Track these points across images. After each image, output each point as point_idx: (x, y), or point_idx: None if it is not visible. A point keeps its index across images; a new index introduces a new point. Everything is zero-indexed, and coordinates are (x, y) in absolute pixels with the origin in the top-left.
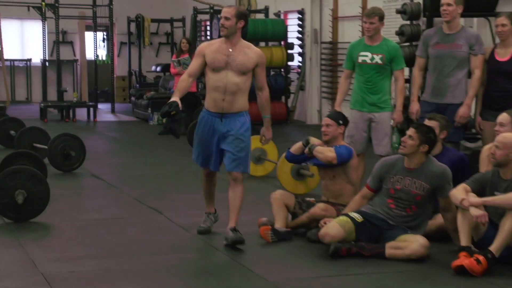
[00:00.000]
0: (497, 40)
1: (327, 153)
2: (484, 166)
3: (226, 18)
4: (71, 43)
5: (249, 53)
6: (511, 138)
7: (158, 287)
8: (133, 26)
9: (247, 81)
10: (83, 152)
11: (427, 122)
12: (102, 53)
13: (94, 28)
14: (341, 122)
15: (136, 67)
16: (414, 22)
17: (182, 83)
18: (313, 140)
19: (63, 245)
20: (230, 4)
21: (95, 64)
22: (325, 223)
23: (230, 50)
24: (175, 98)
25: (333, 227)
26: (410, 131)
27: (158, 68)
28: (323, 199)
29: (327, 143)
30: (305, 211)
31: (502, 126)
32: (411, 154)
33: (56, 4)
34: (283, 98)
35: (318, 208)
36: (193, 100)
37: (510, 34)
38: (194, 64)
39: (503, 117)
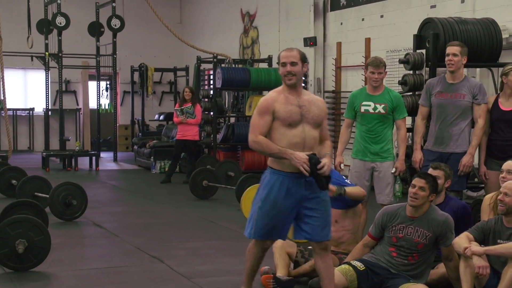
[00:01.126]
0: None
1: (357, 189)
2: (486, 215)
3: (293, 64)
4: (74, 92)
5: (317, 102)
6: None
7: None
8: (136, 75)
9: (320, 133)
10: (84, 200)
11: (431, 171)
12: (105, 102)
13: (98, 77)
14: None
15: (139, 116)
16: (417, 72)
17: (269, 141)
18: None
19: None
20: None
21: (97, 113)
22: None
23: (298, 100)
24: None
25: (335, 276)
26: (420, 182)
27: (161, 117)
28: None
29: None
30: (307, 259)
31: (510, 173)
32: (421, 204)
33: (60, 54)
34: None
35: None
36: (196, 148)
37: None
38: (263, 124)
39: (510, 165)
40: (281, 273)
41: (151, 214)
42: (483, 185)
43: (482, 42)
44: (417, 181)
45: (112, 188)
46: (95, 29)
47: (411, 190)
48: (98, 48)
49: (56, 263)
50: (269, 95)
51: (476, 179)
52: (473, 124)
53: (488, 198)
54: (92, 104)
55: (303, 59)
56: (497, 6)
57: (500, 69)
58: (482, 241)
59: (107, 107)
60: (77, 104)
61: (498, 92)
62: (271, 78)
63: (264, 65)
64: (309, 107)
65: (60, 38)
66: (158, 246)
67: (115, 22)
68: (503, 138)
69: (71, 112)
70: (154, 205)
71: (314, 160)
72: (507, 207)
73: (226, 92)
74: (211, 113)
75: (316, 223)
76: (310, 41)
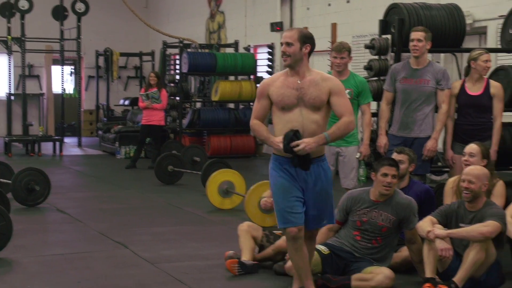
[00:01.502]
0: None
1: None
2: (449, 198)
3: (288, 44)
4: (38, 76)
5: (320, 82)
6: (479, 169)
7: None
8: (101, 60)
9: (326, 117)
10: (48, 186)
11: (396, 155)
12: (69, 87)
13: (62, 62)
14: None
15: (104, 101)
16: (382, 57)
17: (260, 127)
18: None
19: (25, 281)
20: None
21: (62, 98)
22: None
23: (299, 82)
24: (278, 140)
25: None
26: (392, 171)
27: (126, 102)
28: None
29: None
30: (272, 243)
31: (472, 156)
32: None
33: (23, 38)
34: (251, 132)
35: (284, 241)
36: (162, 133)
37: (481, 69)
38: (259, 108)
39: (472, 148)
40: (246, 257)
41: (116, 200)
42: (446, 169)
43: (446, 28)
44: (388, 170)
45: (76, 174)
46: (59, 13)
47: (383, 179)
48: (62, 32)
49: (19, 249)
50: (268, 78)
51: (439, 163)
52: (436, 109)
53: (450, 182)
54: (56, 89)
55: (303, 39)
56: None
57: (464, 54)
58: (445, 225)
59: (71, 92)
60: (41, 89)
61: (463, 77)
62: (237, 63)
63: (230, 50)
64: (307, 89)
65: (23, 21)
66: (123, 231)
67: (80, 6)
68: (471, 122)
69: (35, 97)
70: (119, 191)
71: (287, 140)
72: (473, 194)
73: (192, 77)
74: (177, 98)
75: (312, 211)
76: (276, 26)
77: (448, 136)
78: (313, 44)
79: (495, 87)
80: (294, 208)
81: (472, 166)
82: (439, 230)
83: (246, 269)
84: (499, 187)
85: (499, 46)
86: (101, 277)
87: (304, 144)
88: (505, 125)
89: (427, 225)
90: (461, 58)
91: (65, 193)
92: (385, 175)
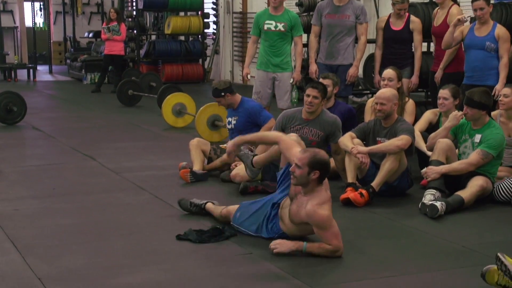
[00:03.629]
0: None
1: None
2: (368, 115)
3: (297, 166)
4: (11, 12)
5: (304, 211)
6: (388, 92)
7: (91, 221)
8: None
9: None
10: (24, 107)
11: (322, 80)
12: (40, 21)
13: None
14: (223, 94)
15: (70, 34)
16: None
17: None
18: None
19: (7, 187)
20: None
21: (33, 31)
22: (236, 165)
23: (298, 195)
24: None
25: (242, 169)
26: (314, 92)
27: (90, 35)
28: None
29: (233, 109)
30: (219, 156)
31: (391, 81)
32: (316, 109)
33: None
34: (200, 60)
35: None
36: (122, 62)
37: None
38: None
39: (390, 73)
40: (196, 167)
41: (84, 119)
42: (366, 92)
43: None
44: (310, 91)
45: (49, 97)
46: None
47: (306, 99)
48: None
49: (0, 161)
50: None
51: (360, 87)
52: (357, 40)
53: (370, 101)
54: (28, 23)
55: (312, 164)
56: None
57: None
58: (363, 139)
59: (41, 25)
60: (14, 23)
61: (378, 14)
62: (186, 1)
63: None
64: (293, 204)
65: None
66: (90, 146)
67: None
68: (393, 53)
69: (9, 29)
70: (86, 112)
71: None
72: (385, 114)
73: (148, 13)
74: (135, 31)
75: None
76: None
77: (376, 63)
78: (323, 170)
79: (414, 22)
80: None
81: (382, 89)
82: (361, 147)
83: (197, 177)
84: (410, 106)
85: None
86: (73, 184)
87: (278, 248)
88: None
89: (347, 140)
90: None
91: (39, 113)
92: (308, 95)
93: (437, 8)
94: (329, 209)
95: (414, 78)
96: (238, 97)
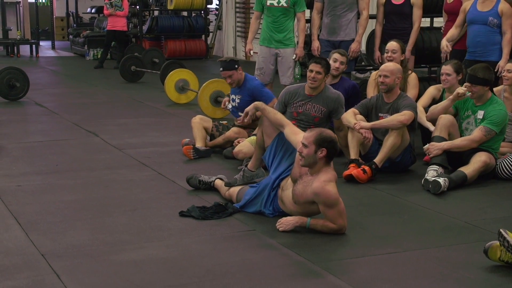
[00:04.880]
0: None
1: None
2: (371, 87)
3: (304, 145)
4: None
5: (309, 188)
6: (392, 65)
7: (94, 198)
8: None
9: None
10: (27, 83)
11: (339, 56)
12: None
13: None
14: (236, 66)
15: (73, 9)
16: None
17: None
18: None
19: (10, 163)
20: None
21: (36, 6)
22: (238, 142)
23: (304, 175)
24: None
25: (245, 146)
26: (317, 67)
27: (93, 10)
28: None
29: (238, 87)
30: (221, 133)
31: (395, 52)
32: (319, 85)
33: None
34: (203, 36)
35: (232, 131)
36: (125, 38)
37: None
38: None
39: (394, 45)
40: (199, 144)
41: (86, 95)
42: (369, 68)
43: None
44: (313, 66)
45: (51, 73)
46: None
47: (309, 74)
48: None
49: (3, 137)
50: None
51: (363, 63)
52: (359, 16)
53: (374, 74)
54: None
55: (319, 142)
56: None
57: None
58: (366, 115)
59: (44, 0)
60: None
61: None
62: None
63: None
64: (299, 184)
65: None
66: (93, 122)
67: None
68: (394, 27)
69: (12, 5)
70: (89, 87)
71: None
72: (388, 87)
73: None
74: (137, 7)
75: None
76: None
77: (377, 39)
78: (330, 147)
79: None
80: None
81: (387, 63)
82: (364, 122)
83: (200, 153)
84: (413, 79)
85: None
86: (76, 160)
87: (283, 227)
88: (422, 29)
89: (350, 115)
90: None
91: (42, 89)
92: (311, 71)
93: None
94: (336, 187)
95: (407, 53)
96: (243, 74)
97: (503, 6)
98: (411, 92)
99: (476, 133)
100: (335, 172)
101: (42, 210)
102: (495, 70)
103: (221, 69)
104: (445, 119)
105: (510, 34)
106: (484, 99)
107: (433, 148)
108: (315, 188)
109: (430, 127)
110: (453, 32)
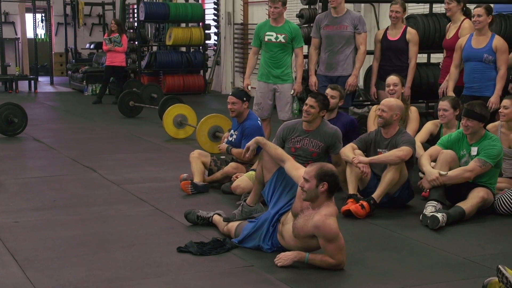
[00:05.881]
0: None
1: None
2: (371, 120)
3: (305, 179)
4: (13, 23)
5: (310, 222)
6: (393, 101)
7: (92, 233)
8: (68, 9)
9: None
10: (25, 119)
11: (330, 91)
12: (41, 32)
13: (33, 10)
14: (245, 99)
15: (72, 45)
16: (312, 6)
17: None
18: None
19: (8, 199)
20: None
21: (35, 42)
22: (236, 177)
23: (305, 210)
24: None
25: (243, 181)
26: (311, 101)
27: (92, 46)
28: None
29: (236, 117)
30: (219, 167)
31: (396, 85)
32: (313, 119)
33: None
34: (201, 72)
35: (231, 166)
36: (124, 73)
37: (391, 17)
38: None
39: (394, 79)
40: (197, 179)
41: (85, 130)
42: (366, 103)
43: None
44: (309, 101)
45: (50, 108)
46: None
47: (304, 108)
48: None
49: (1, 173)
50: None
51: (360, 98)
52: (356, 50)
53: (374, 108)
54: (30, 34)
55: (320, 176)
56: None
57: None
58: (365, 150)
59: (43, 36)
60: (16, 34)
61: (380, 25)
62: (187, 12)
63: (181, 0)
64: (300, 217)
65: None
66: (91, 157)
67: None
68: (390, 64)
69: (11, 41)
70: (87, 123)
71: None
72: (384, 121)
73: (149, 24)
74: (136, 42)
75: None
76: None
77: (374, 75)
78: (331, 181)
79: (411, 33)
80: None
81: (389, 98)
82: (362, 157)
83: (198, 188)
84: (414, 113)
85: None
86: (74, 196)
87: (281, 262)
88: (419, 65)
89: (348, 150)
90: (378, 8)
91: (40, 124)
92: (306, 104)
93: (450, 22)
94: (336, 222)
95: (406, 90)
96: (248, 111)
97: (497, 42)
98: (412, 125)
99: (471, 164)
100: (336, 207)
101: (39, 246)
102: (489, 106)
103: (230, 93)
104: (446, 154)
105: (503, 70)
106: (478, 136)
107: (425, 180)
108: (316, 222)
109: (424, 166)
110: (453, 71)
